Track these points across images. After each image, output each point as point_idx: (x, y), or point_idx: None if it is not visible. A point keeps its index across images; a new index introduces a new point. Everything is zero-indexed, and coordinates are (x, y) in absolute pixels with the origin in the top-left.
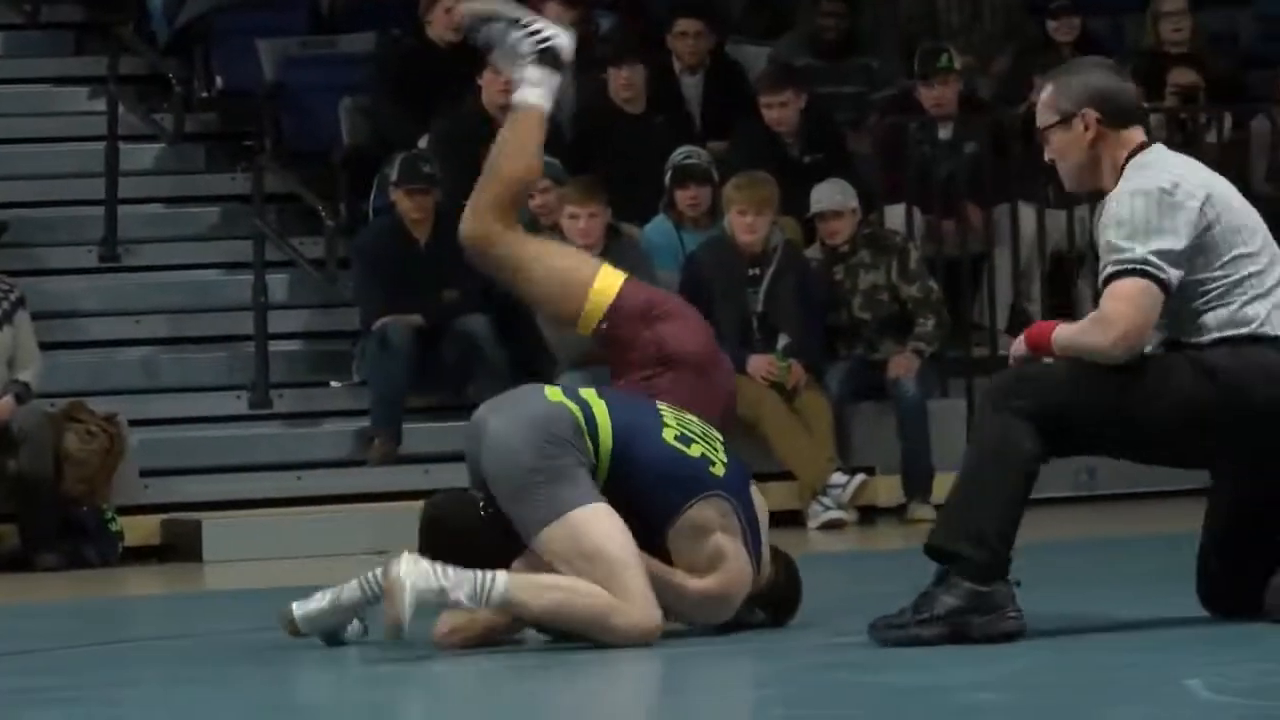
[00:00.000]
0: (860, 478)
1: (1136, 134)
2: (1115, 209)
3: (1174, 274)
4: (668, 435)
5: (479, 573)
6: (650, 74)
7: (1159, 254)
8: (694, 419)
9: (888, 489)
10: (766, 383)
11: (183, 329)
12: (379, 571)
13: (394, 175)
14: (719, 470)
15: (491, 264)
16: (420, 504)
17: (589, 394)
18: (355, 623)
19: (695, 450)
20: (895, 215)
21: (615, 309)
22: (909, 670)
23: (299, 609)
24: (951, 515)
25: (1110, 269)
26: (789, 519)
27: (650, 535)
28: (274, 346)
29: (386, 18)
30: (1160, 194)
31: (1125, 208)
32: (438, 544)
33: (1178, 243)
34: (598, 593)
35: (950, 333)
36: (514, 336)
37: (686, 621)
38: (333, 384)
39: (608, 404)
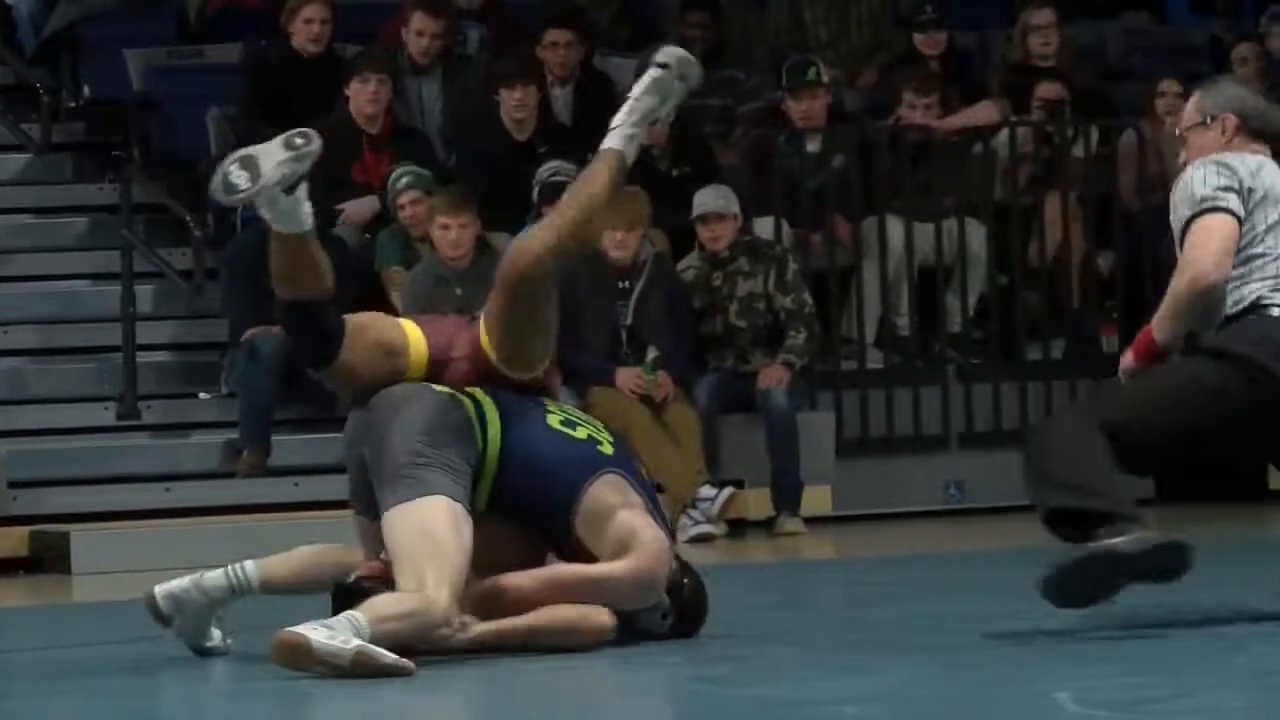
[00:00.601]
0: (729, 490)
1: (1263, 149)
2: (1181, 187)
3: (1236, 202)
4: (553, 421)
5: (349, 614)
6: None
7: (1219, 190)
8: (569, 405)
9: (757, 502)
10: (635, 395)
11: (51, 340)
12: (247, 564)
13: None
14: (607, 449)
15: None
16: (290, 516)
17: (474, 390)
18: (218, 634)
19: (581, 433)
20: (764, 227)
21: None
22: (776, 684)
23: (160, 587)
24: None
25: (1180, 228)
26: None
27: (557, 532)
28: (142, 358)
29: (253, 28)
30: (1216, 162)
31: (1187, 181)
32: None
33: (1235, 182)
34: (414, 604)
35: (819, 345)
36: None
37: (623, 609)
38: (201, 395)
39: (492, 397)
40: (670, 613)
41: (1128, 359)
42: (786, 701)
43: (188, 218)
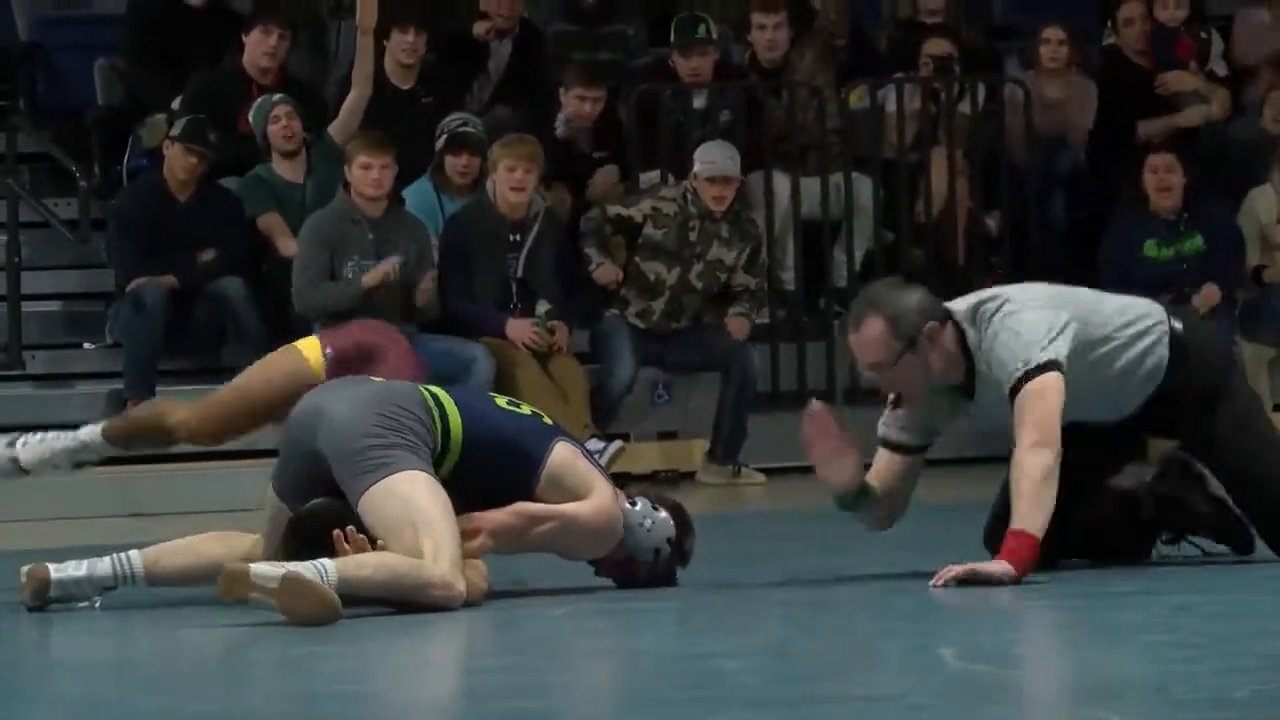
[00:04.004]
0: (618, 444)
1: None
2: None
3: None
4: (500, 402)
5: (316, 562)
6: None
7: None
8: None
9: (644, 456)
10: (527, 349)
11: None
12: (132, 553)
13: (176, 131)
14: (549, 421)
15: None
16: (172, 466)
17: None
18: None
19: (526, 409)
20: (651, 182)
21: (332, 361)
22: (661, 637)
23: (56, 573)
24: None
25: None
26: None
27: (520, 498)
28: (27, 307)
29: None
30: None
31: None
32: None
33: None
34: (412, 561)
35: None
36: (268, 299)
37: (586, 557)
38: (86, 346)
39: (443, 388)
40: (663, 546)
41: (1010, 573)
42: (667, 654)
43: (74, 168)
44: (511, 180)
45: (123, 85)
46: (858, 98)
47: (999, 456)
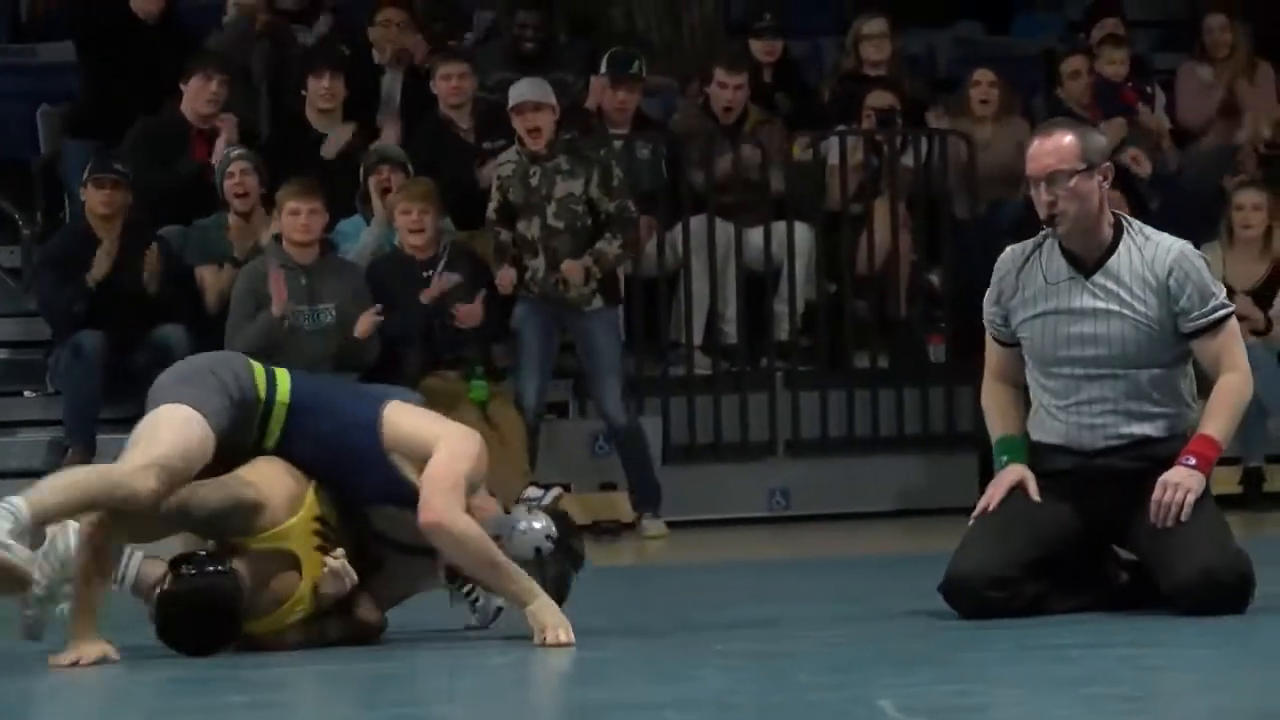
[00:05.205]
0: (556, 491)
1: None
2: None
3: None
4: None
5: (6, 501)
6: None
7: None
8: None
9: (583, 505)
10: (463, 399)
11: None
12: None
13: (85, 173)
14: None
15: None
16: None
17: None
18: None
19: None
20: None
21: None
22: (596, 687)
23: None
24: None
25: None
26: None
27: (367, 464)
28: None
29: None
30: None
31: (1194, 266)
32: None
33: None
34: (97, 468)
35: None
36: (209, 345)
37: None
38: (26, 394)
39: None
40: (552, 533)
41: (1198, 478)
42: (606, 705)
43: (16, 215)
44: (409, 223)
45: (66, 133)
46: (800, 149)
47: (944, 509)
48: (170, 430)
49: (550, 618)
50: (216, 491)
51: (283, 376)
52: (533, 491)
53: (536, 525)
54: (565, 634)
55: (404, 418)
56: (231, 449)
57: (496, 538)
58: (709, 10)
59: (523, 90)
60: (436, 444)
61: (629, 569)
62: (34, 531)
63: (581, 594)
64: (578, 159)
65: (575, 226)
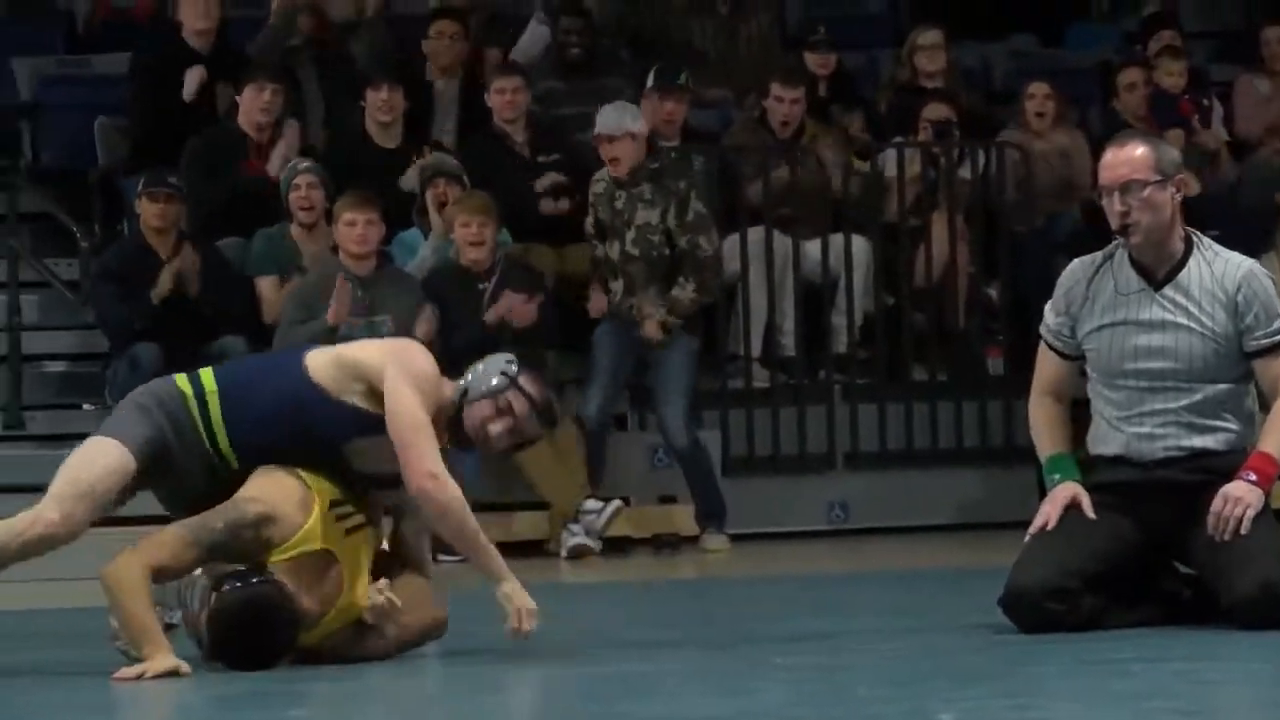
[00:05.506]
0: (616, 504)
1: None
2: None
3: None
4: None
5: None
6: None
7: None
8: None
9: (643, 519)
10: None
11: None
12: None
13: (139, 185)
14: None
15: None
16: None
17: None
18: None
19: None
20: None
21: None
22: (653, 700)
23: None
24: None
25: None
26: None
27: (319, 413)
28: (27, 368)
29: (141, 39)
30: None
31: (1263, 286)
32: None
33: None
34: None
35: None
36: None
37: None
38: (85, 406)
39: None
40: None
41: (1257, 494)
42: (667, 718)
43: (75, 228)
44: (468, 235)
45: (125, 144)
46: (857, 161)
47: (1002, 523)
48: (68, 466)
49: (522, 601)
50: (221, 514)
51: (205, 372)
52: (591, 504)
53: (489, 364)
54: (531, 622)
55: (328, 357)
56: (187, 455)
57: (465, 392)
58: (765, 24)
59: (605, 120)
60: (381, 365)
61: (689, 582)
62: None
63: (643, 608)
64: (659, 188)
65: (650, 255)
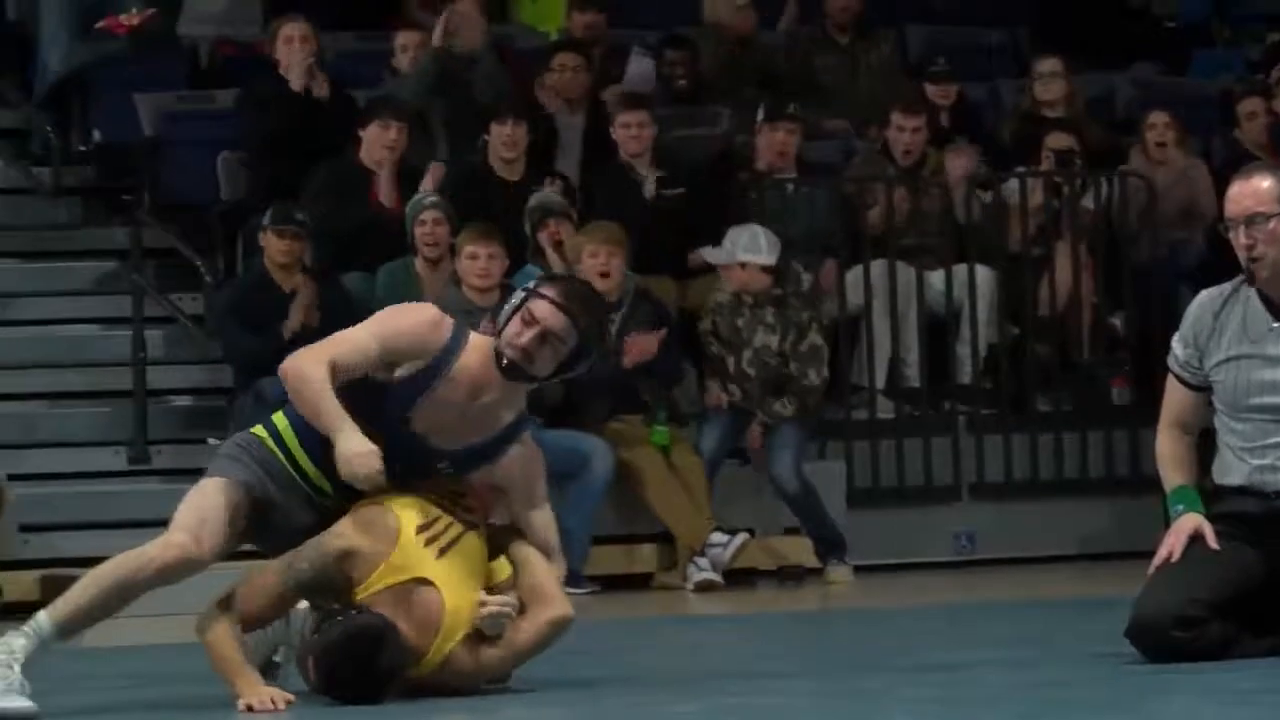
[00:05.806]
0: (743, 537)
1: None
2: None
3: None
4: None
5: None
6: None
7: None
8: None
9: (768, 551)
10: (645, 443)
11: (62, 384)
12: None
13: (265, 220)
14: None
15: None
16: None
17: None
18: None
19: None
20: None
21: None
22: None
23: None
24: None
25: None
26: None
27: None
28: (153, 402)
29: (263, 74)
30: None
31: None
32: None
33: None
34: (122, 555)
35: (825, 392)
36: None
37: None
38: (210, 440)
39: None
40: None
41: None
42: None
43: (198, 262)
44: (597, 265)
45: (246, 178)
46: (979, 191)
47: (1128, 553)
48: (186, 503)
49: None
50: (308, 550)
51: (276, 414)
52: (717, 537)
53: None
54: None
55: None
56: (284, 492)
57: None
58: (885, 55)
59: (747, 251)
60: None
61: (813, 614)
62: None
63: (766, 639)
64: (781, 315)
65: (764, 376)
